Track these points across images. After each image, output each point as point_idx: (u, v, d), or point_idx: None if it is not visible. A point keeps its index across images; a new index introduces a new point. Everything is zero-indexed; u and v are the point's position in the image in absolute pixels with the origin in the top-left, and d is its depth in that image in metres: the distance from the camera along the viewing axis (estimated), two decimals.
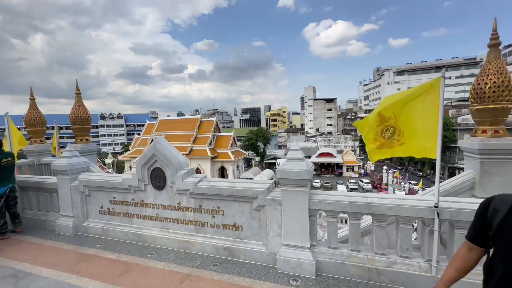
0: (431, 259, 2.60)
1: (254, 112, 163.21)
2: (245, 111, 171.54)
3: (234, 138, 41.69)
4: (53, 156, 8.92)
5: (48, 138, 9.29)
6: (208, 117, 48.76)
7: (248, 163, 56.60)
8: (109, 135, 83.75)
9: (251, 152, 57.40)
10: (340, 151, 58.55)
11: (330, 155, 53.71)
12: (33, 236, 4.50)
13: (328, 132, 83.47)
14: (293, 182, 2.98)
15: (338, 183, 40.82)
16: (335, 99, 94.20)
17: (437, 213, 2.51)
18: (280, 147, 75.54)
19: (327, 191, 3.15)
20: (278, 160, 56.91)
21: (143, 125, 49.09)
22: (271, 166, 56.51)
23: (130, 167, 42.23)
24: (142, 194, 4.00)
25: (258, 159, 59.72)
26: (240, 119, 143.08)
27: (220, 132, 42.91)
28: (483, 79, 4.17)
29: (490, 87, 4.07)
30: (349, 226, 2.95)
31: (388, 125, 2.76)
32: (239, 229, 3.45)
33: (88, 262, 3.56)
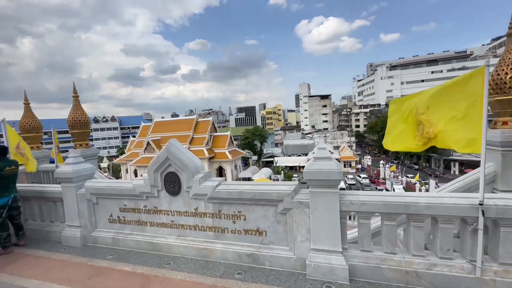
0: (475, 260, 2.47)
1: (249, 111, 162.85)
2: (240, 110, 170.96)
3: (231, 137, 41.39)
4: (51, 162, 8.57)
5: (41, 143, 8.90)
6: (204, 117, 48.28)
7: (245, 162, 56.38)
8: (103, 139, 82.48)
9: (248, 151, 57.18)
10: (336, 147, 58.87)
11: None
12: (39, 249, 4.23)
13: (324, 129, 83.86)
14: (322, 183, 2.81)
15: None
16: (330, 95, 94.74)
17: (482, 211, 2.37)
18: (276, 145, 75.58)
19: (359, 191, 2.99)
20: (275, 158, 56.88)
21: (138, 127, 48.36)
22: (269, 164, 56.43)
23: (127, 170, 41.59)
24: (155, 201, 3.78)
25: (255, 157, 59.56)
26: (235, 118, 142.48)
27: (216, 132, 42.56)
28: (503, 69, 4.05)
29: (511, 77, 3.96)
30: (384, 227, 2.79)
31: (421, 120, 2.61)
32: (262, 234, 3.27)
33: (101, 275, 3.33)
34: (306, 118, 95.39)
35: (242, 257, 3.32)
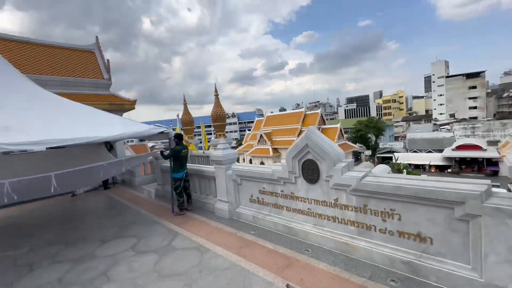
0: None
1: (361, 101, 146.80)
2: (350, 100, 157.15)
3: (341, 130, 38.72)
4: (199, 148, 10.92)
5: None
6: (311, 110, 47.62)
7: (356, 157, 51.45)
8: (226, 132, 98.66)
9: (360, 145, 51.72)
10: (493, 142, 43.00)
11: (475, 147, 40.47)
12: (199, 215, 5.39)
13: (471, 118, 63.33)
14: None
15: (493, 186, 29.98)
16: (483, 72, 69.96)
17: None
18: (396, 138, 64.31)
19: None
20: (395, 154, 48.47)
21: (252, 122, 54.18)
22: (386, 160, 48.85)
23: (244, 160, 47.82)
24: (292, 187, 3.88)
25: (368, 152, 53.14)
26: (345, 110, 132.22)
27: (325, 124, 41.01)
28: None
29: None
30: None
31: None
32: (426, 241, 2.65)
33: (249, 247, 3.77)
34: (441, 105, 75.19)
35: (395, 263, 2.83)
